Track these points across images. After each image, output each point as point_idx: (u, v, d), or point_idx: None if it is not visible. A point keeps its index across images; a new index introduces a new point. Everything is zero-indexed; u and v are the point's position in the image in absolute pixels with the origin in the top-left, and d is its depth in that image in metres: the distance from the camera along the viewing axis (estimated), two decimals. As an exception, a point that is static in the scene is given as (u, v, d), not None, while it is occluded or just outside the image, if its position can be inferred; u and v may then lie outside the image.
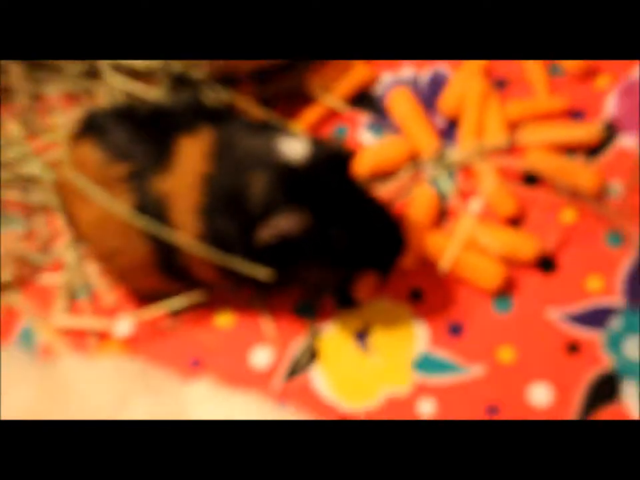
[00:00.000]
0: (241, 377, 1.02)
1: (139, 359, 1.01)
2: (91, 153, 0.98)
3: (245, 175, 0.92)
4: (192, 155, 0.95)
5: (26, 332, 1.07)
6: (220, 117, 0.99)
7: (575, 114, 1.11)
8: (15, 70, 1.18)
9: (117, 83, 1.10)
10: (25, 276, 1.11)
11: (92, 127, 1.00)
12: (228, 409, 0.88)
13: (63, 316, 1.07)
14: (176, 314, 1.05)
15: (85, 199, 0.98)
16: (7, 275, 1.09)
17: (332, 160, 0.93)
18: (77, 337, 1.06)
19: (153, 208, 0.95)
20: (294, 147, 0.92)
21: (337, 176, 0.93)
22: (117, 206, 0.96)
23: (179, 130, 0.96)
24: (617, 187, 1.06)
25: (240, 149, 0.94)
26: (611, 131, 1.09)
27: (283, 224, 0.89)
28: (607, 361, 0.98)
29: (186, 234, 0.95)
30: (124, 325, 1.06)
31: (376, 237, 0.95)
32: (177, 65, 1.08)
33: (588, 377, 0.97)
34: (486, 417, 0.97)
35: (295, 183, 0.91)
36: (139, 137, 0.97)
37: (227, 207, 0.93)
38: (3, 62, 1.17)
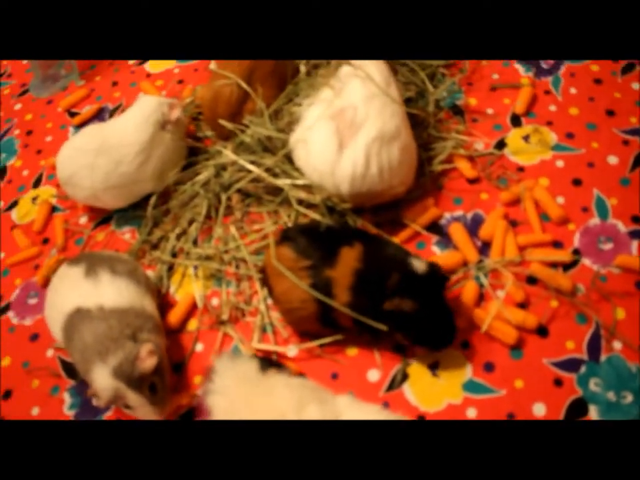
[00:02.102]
0: (360, 386, 0.97)
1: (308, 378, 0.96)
2: (287, 252, 0.95)
3: (384, 271, 0.90)
4: (349, 258, 0.92)
5: (235, 348, 1.03)
6: (365, 236, 0.97)
7: (556, 243, 1.05)
8: (235, 197, 1.16)
9: (300, 210, 1.07)
10: (236, 316, 1.06)
11: (286, 238, 0.97)
12: (360, 410, 0.83)
13: (257, 343, 1.02)
14: (322, 345, 1.00)
15: (280, 276, 0.96)
16: (225, 315, 1.05)
17: (435, 277, 0.91)
18: (264, 354, 1.01)
19: (322, 286, 0.93)
20: (418, 265, 0.91)
21: (435, 286, 0.92)
22: (300, 283, 0.92)
23: (341, 243, 0.94)
24: (581, 287, 1.01)
25: (381, 257, 0.93)
26: (577, 255, 1.04)
27: (402, 304, 0.88)
28: (578, 392, 0.92)
29: (339, 301, 0.92)
30: (292, 350, 1.01)
31: (441, 325, 0.93)
32: (330, 201, 1.04)
33: (567, 400, 0.92)
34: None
35: (414, 284, 0.90)
36: (316, 244, 0.95)
37: (366, 287, 0.91)
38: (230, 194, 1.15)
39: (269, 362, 0.92)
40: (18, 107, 1.49)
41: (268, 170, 1.11)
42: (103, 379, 0.89)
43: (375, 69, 1.08)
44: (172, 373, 1.01)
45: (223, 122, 1.17)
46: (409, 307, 0.87)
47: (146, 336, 0.94)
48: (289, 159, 1.11)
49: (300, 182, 1.08)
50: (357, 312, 0.91)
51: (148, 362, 0.89)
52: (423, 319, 0.90)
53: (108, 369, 0.88)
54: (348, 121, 1.02)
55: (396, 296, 0.87)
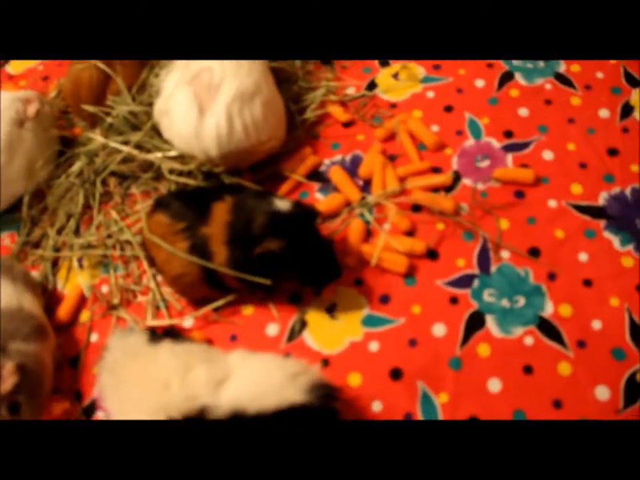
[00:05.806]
0: (260, 343, 0.96)
1: (201, 343, 0.92)
2: (161, 218, 0.94)
3: (251, 218, 0.89)
4: (220, 212, 0.91)
5: (130, 330, 0.99)
6: (236, 189, 0.97)
7: (435, 169, 1.08)
8: (113, 181, 1.13)
9: (173, 179, 1.05)
10: (127, 299, 1.04)
11: (159, 205, 0.96)
12: (253, 362, 0.82)
13: (150, 320, 1.00)
14: (218, 310, 0.99)
15: (158, 247, 0.94)
16: (116, 299, 1.03)
17: (303, 214, 0.91)
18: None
19: (200, 245, 0.91)
20: (282, 204, 0.90)
21: (305, 223, 0.91)
22: (175, 250, 0.92)
23: (212, 199, 0.93)
24: (465, 206, 1.03)
25: (248, 205, 0.91)
26: (456, 176, 1.06)
27: (270, 245, 0.87)
28: (474, 305, 0.94)
29: (219, 259, 0.90)
30: (188, 320, 1.00)
31: (320, 260, 0.92)
32: (205, 166, 1.03)
33: (464, 315, 0.94)
34: (408, 348, 0.92)
35: (279, 224, 0.89)
36: (189, 205, 0.94)
37: (240, 238, 0.90)
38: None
39: (167, 333, 0.91)
40: None
41: (138, 147, 1.09)
42: None
43: (228, 26, 1.08)
44: (57, 373, 0.96)
45: (85, 106, 1.14)
46: (277, 246, 0.86)
47: (17, 346, 0.90)
48: (158, 132, 1.10)
49: (171, 153, 1.06)
50: (238, 266, 0.90)
51: (6, 383, 0.86)
52: (298, 258, 0.88)
53: None
54: (205, 84, 1.01)
55: (264, 239, 0.87)
